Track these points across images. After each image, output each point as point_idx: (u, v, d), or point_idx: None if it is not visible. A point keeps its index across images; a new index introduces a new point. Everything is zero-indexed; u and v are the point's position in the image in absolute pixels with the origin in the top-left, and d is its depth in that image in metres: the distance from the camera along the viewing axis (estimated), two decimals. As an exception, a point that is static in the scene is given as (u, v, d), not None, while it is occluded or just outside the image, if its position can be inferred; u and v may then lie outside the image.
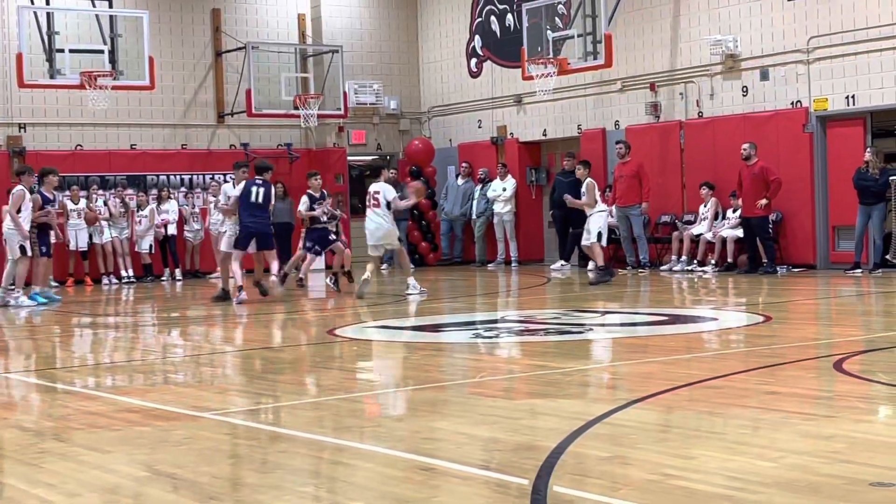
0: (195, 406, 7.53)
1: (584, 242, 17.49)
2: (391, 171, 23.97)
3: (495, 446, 6.02)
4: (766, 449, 5.65)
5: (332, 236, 17.60)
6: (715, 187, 19.33)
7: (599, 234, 17.02)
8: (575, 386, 8.20)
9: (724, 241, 19.02)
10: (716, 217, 19.39)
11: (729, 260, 18.89)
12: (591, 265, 18.03)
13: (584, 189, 17.21)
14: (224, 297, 16.08)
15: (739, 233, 18.73)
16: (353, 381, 9.08)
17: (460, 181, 23.71)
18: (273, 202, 16.32)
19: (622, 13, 20.66)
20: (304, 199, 17.54)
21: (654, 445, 5.86)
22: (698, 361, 9.21)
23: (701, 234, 19.38)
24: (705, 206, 19.48)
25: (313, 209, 17.40)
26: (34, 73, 20.18)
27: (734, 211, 18.96)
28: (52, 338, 13.00)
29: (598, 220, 17.07)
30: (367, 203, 16.51)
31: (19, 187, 16.59)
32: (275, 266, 16.14)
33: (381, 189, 16.32)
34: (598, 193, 17.25)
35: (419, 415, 7.10)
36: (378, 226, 16.22)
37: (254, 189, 15.89)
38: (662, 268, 19.81)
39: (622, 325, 12.77)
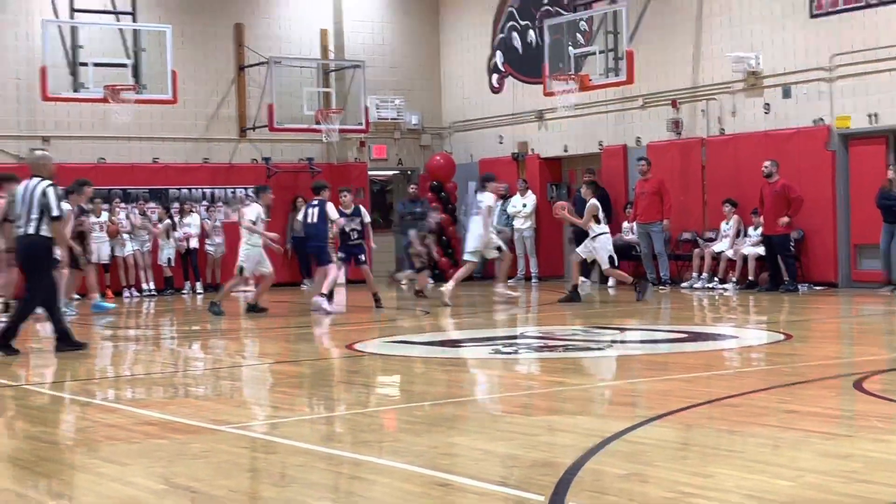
0: (214, 419, 7.55)
1: (575, 258, 17.39)
2: (411, 186, 24.22)
3: (513, 462, 6.01)
4: (785, 468, 5.63)
5: (363, 256, 17.29)
6: (738, 204, 19.28)
7: (611, 258, 16.93)
8: (593, 403, 8.19)
9: (745, 258, 18.96)
10: (738, 234, 19.34)
11: (750, 278, 18.82)
12: (579, 280, 17.73)
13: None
14: (217, 310, 16.31)
15: (761, 250, 18.67)
16: (372, 396, 9.09)
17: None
18: (335, 217, 16.55)
19: (644, 30, 20.66)
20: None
21: (671, 463, 5.84)
22: (718, 379, 9.19)
23: (722, 252, 19.33)
24: (727, 224, 19.43)
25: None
26: (58, 86, 20.31)
27: (756, 228, 18.90)
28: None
29: (605, 244, 16.93)
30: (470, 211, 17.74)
31: (66, 205, 16.63)
32: (330, 279, 16.40)
33: (485, 199, 17.17)
34: (599, 215, 17.03)
35: (437, 430, 7.09)
36: (478, 235, 17.11)
37: (310, 210, 16.68)
38: (683, 285, 19.76)
39: (642, 342, 12.75)
